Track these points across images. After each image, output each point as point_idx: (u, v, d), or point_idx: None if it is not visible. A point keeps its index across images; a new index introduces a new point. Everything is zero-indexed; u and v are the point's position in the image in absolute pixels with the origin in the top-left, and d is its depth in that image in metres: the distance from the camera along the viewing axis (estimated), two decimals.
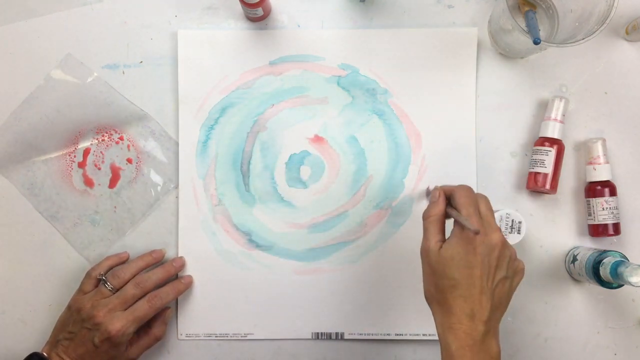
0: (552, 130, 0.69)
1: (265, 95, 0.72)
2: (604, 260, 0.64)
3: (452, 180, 0.71)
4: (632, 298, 0.71)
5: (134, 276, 0.68)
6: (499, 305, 0.56)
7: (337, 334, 0.71)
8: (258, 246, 0.72)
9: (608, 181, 0.69)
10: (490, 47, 0.72)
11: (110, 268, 0.69)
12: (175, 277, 0.71)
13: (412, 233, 0.71)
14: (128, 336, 0.65)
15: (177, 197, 0.72)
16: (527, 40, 0.61)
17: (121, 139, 0.73)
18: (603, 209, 0.69)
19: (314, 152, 0.72)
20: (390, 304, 0.71)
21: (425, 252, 0.57)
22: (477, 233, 0.54)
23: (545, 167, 0.69)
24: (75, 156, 0.73)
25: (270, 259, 0.72)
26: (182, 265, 0.71)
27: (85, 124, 0.72)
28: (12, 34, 0.73)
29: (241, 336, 0.71)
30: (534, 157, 0.70)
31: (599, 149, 0.69)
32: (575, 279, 0.71)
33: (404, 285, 0.71)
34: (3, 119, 0.72)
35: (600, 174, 0.69)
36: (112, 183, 0.73)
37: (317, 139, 0.72)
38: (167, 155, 0.73)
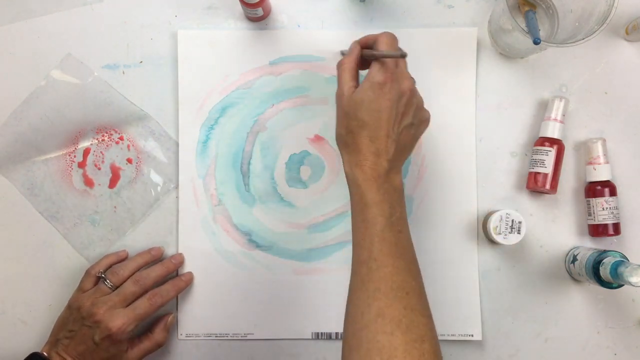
0: (552, 130, 0.69)
1: (265, 95, 0.72)
2: (604, 260, 0.64)
3: (452, 180, 0.72)
4: (632, 298, 0.71)
5: (133, 273, 0.68)
6: (404, 149, 0.59)
7: (337, 334, 0.71)
8: (258, 246, 0.72)
9: (608, 181, 0.69)
10: (490, 47, 0.72)
11: (110, 266, 0.69)
12: (175, 274, 0.71)
13: (412, 233, 0.71)
14: (129, 334, 0.65)
15: (177, 197, 0.72)
16: (527, 40, 0.61)
17: (121, 139, 0.73)
18: (603, 209, 0.69)
19: (314, 152, 0.72)
20: None
21: (339, 97, 0.59)
22: (404, 56, 0.56)
23: (545, 167, 0.69)
24: (75, 156, 0.73)
25: (270, 259, 0.72)
26: (181, 262, 0.71)
27: (85, 124, 0.72)
28: (12, 34, 0.73)
29: (241, 336, 0.71)
30: (534, 157, 0.70)
31: (599, 149, 0.69)
32: (575, 279, 0.71)
33: None
34: (3, 119, 0.72)
35: (600, 174, 0.69)
36: (112, 183, 0.73)
37: (317, 139, 0.72)
38: (167, 155, 0.73)
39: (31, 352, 0.65)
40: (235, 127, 0.72)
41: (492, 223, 0.67)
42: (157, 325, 0.69)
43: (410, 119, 0.58)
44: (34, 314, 0.72)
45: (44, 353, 0.65)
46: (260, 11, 0.69)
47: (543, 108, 0.71)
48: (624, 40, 0.72)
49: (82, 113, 0.72)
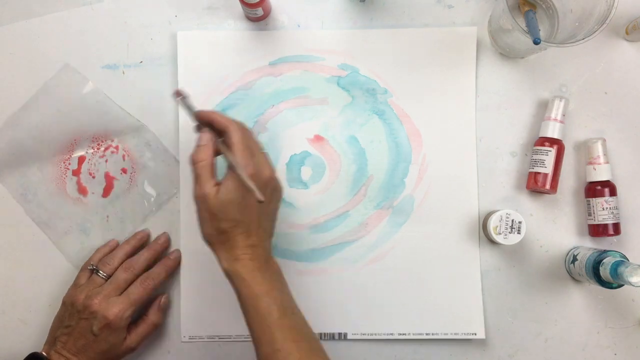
0: (552, 130, 0.69)
1: (265, 95, 0.72)
2: (604, 260, 0.64)
3: (452, 180, 0.71)
4: (632, 298, 0.71)
5: (124, 261, 0.68)
6: (270, 233, 0.62)
7: (339, 334, 0.71)
8: None
9: (608, 181, 0.69)
10: (490, 47, 0.72)
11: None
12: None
13: (413, 233, 0.71)
14: (126, 320, 0.65)
15: (177, 198, 0.72)
16: (527, 40, 0.61)
17: (117, 148, 0.73)
18: (603, 209, 0.69)
19: (315, 153, 0.72)
20: (392, 303, 0.71)
21: (202, 198, 0.58)
22: (261, 202, 0.57)
23: (545, 167, 0.69)
24: (70, 164, 0.73)
25: None
26: (166, 241, 0.71)
27: (81, 132, 0.72)
28: (12, 34, 0.72)
29: (244, 337, 0.71)
30: (534, 157, 0.70)
31: (599, 149, 0.69)
32: (575, 279, 0.71)
33: (406, 285, 0.71)
34: (0, 123, 0.72)
35: (600, 174, 0.69)
36: (106, 192, 0.72)
37: (318, 139, 0.72)
38: (162, 167, 0.72)
39: (31, 352, 0.65)
40: None
41: (492, 223, 0.67)
42: (151, 307, 0.69)
43: (276, 203, 0.62)
44: (34, 314, 0.72)
45: (43, 353, 0.65)
46: (260, 11, 0.69)
47: (543, 108, 0.71)
48: (624, 40, 0.72)
49: (78, 122, 0.72)
